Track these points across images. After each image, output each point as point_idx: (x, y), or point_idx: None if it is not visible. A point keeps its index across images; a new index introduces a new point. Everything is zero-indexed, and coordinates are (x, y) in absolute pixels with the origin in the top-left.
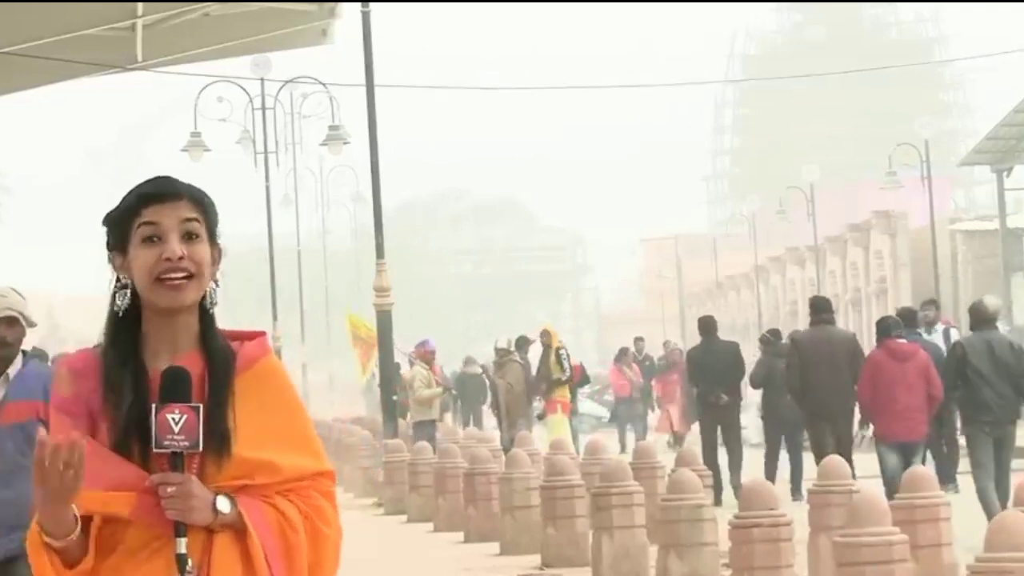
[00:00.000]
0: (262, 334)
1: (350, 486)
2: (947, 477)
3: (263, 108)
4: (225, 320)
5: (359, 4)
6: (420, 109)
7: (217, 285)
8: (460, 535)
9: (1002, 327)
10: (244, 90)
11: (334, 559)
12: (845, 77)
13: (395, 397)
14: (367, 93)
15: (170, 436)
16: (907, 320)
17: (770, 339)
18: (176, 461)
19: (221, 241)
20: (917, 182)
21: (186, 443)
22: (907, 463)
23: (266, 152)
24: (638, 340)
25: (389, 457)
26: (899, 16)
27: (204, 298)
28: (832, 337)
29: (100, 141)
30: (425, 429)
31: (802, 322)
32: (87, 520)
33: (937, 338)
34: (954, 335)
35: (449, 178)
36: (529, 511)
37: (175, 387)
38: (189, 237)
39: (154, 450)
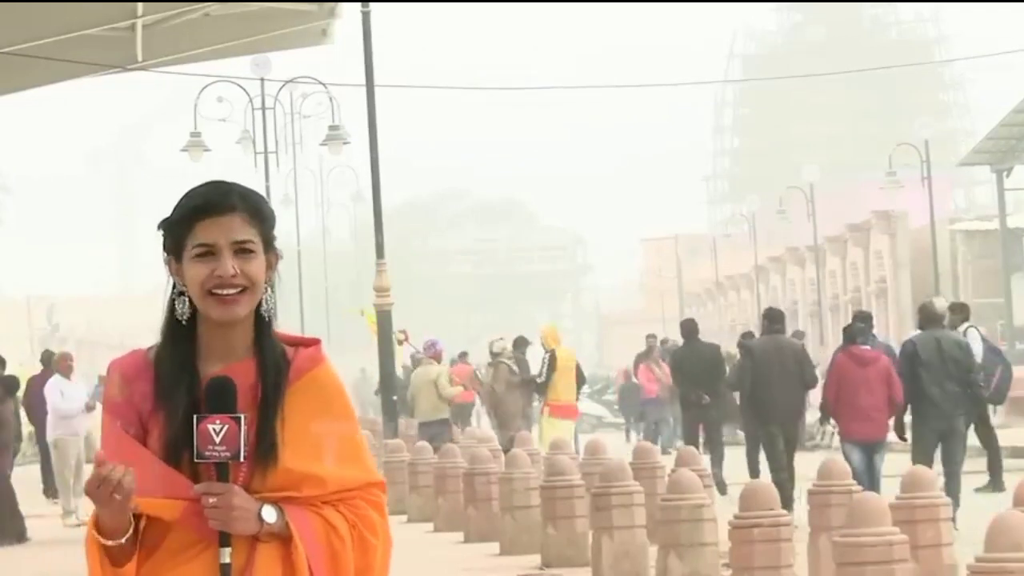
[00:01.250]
0: (317, 341)
1: None
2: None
3: (263, 108)
4: None
5: (359, 4)
6: (420, 109)
7: (273, 291)
8: (460, 535)
9: (1003, 328)
10: (244, 90)
11: (383, 569)
12: (845, 77)
13: (394, 397)
14: (367, 93)
15: (211, 447)
16: (863, 322)
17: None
18: (222, 471)
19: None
20: (917, 182)
21: (227, 453)
22: (870, 461)
23: (266, 152)
24: (650, 337)
25: (389, 457)
26: (899, 16)
27: (260, 304)
28: (781, 346)
29: (100, 141)
30: (436, 428)
31: (801, 322)
32: (137, 520)
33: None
34: (973, 335)
35: (449, 178)
36: (529, 511)
37: (219, 398)
38: (243, 252)
39: (195, 460)
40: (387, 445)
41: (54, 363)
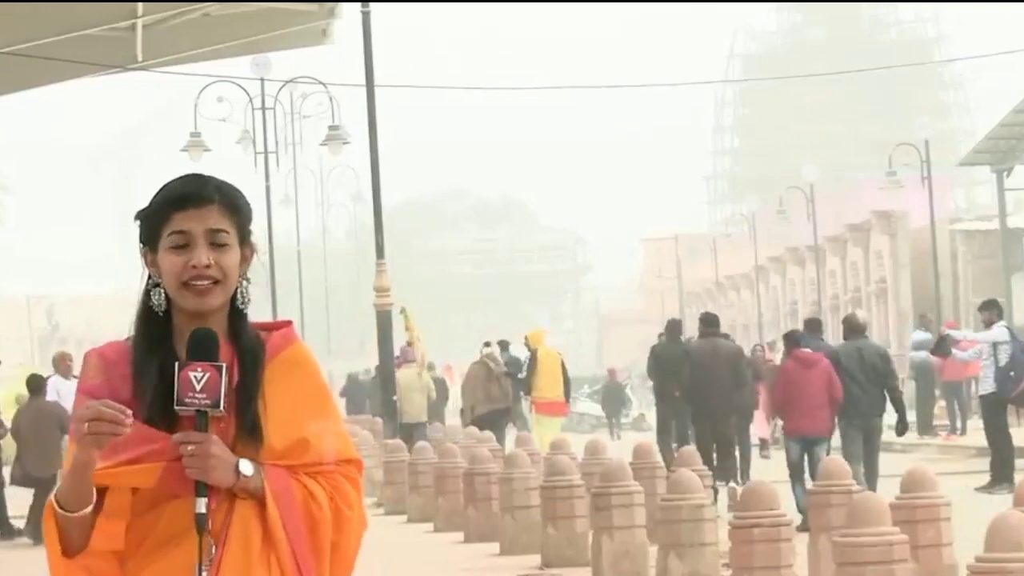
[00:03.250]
0: (288, 323)
1: None
2: (1005, 478)
3: (263, 108)
4: None
5: (359, 4)
6: (420, 109)
7: (249, 283)
8: (460, 535)
9: (1001, 327)
10: (244, 90)
11: (355, 545)
12: (845, 77)
13: (394, 397)
14: (367, 93)
15: (191, 394)
16: (813, 328)
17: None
18: (201, 423)
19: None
20: (917, 182)
21: (207, 401)
22: (812, 454)
23: (266, 152)
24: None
25: (389, 457)
26: (899, 16)
27: (236, 296)
28: (717, 348)
29: (100, 141)
30: (421, 429)
31: (800, 323)
32: (110, 520)
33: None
34: (1000, 333)
35: (449, 178)
36: (529, 511)
37: (202, 347)
38: (217, 244)
39: (175, 408)
40: (387, 445)
41: (53, 363)
